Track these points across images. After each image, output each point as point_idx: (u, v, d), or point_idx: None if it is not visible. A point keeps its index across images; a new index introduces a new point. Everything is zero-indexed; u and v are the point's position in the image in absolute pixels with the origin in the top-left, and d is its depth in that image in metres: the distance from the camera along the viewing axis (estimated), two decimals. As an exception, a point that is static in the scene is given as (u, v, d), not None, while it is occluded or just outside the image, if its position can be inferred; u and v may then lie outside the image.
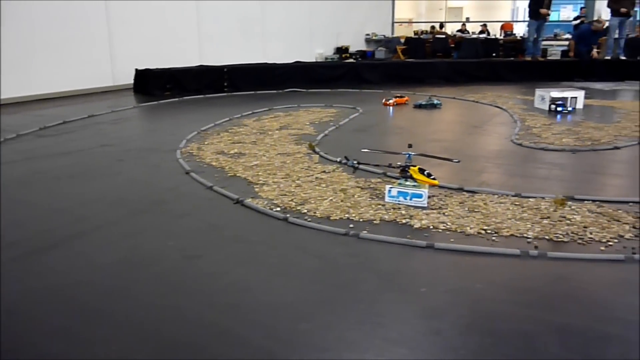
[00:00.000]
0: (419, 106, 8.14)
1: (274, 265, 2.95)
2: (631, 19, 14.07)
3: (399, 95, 8.62)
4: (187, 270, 2.90)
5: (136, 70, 9.86)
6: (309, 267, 2.93)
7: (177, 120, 7.41)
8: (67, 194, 4.20)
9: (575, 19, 16.72)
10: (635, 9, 13.56)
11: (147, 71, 9.71)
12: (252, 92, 9.78)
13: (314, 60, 14.92)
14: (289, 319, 2.38)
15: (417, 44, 17.18)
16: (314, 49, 15.51)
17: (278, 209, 3.76)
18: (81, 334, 2.29)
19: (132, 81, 9.95)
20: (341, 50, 16.50)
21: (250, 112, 7.55)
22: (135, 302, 2.55)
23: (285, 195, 4.03)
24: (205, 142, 5.76)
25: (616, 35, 12.33)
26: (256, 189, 4.18)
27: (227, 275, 2.83)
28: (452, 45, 16.93)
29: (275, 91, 9.85)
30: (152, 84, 9.62)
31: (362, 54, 17.17)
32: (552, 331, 2.29)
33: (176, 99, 9.11)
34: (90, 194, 4.21)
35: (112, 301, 2.57)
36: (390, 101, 8.37)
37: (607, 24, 12.18)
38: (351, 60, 15.61)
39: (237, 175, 4.58)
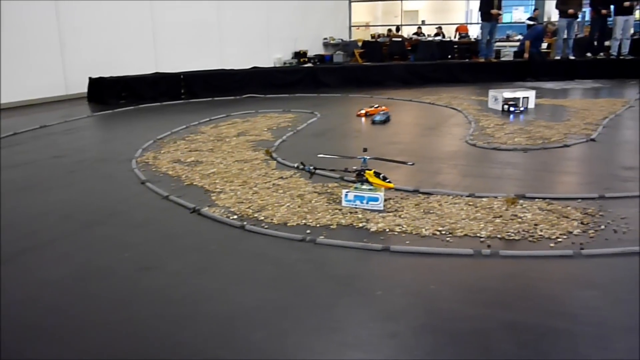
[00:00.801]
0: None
1: (230, 274, 2.93)
2: (579, 19, 14.56)
3: (374, 105, 7.88)
4: (141, 282, 2.86)
5: (90, 78, 9.66)
6: (265, 274, 2.92)
7: (132, 129, 7.29)
8: (17, 208, 4.09)
9: (528, 19, 17.14)
10: (583, 9, 14.04)
11: (101, 79, 9.53)
12: (210, 99, 9.71)
13: (272, 65, 14.90)
14: (244, 328, 2.38)
15: (374, 47, 17.33)
16: (272, 54, 15.49)
17: (235, 216, 3.74)
18: (25, 355, 2.23)
19: (85, 90, 9.74)
20: (299, 55, 16.52)
21: (207, 119, 7.49)
22: (85, 318, 2.50)
23: (243, 202, 4.02)
24: (162, 151, 5.69)
25: (565, 36, 12.70)
26: (213, 198, 4.15)
27: (182, 286, 2.80)
28: (409, 48, 17.15)
29: (233, 97, 9.79)
30: (107, 93, 9.44)
31: (320, 58, 17.23)
32: (504, 328, 2.35)
33: (132, 107, 8.96)
34: (41, 207, 4.10)
35: (60, 318, 2.51)
36: (362, 112, 7.74)
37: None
38: (309, 64, 15.66)
39: (194, 183, 4.53)
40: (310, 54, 17.00)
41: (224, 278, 2.88)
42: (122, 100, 9.46)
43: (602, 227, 3.46)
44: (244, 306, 2.57)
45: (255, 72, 10.99)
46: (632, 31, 13.49)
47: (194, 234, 3.52)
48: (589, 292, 2.69)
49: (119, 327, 2.41)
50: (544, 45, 13.85)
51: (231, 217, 3.72)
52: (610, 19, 12.77)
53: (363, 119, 7.55)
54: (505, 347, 2.21)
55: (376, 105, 7.84)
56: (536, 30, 12.53)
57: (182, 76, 10.11)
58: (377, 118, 7.26)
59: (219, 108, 8.53)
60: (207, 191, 4.32)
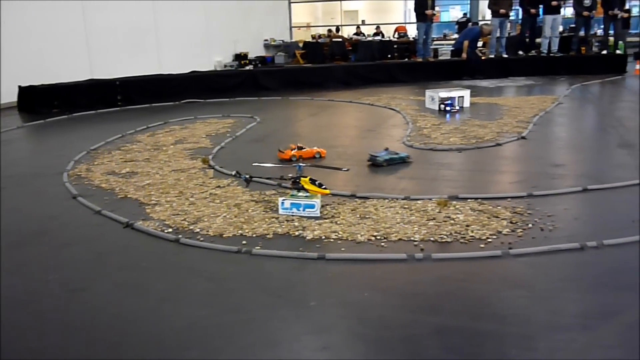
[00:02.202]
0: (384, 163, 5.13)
1: (163, 292, 2.87)
2: (512, 18, 15.05)
3: (298, 146, 5.47)
4: (70, 305, 2.77)
5: (19, 87, 9.28)
6: (199, 290, 2.88)
7: (65, 140, 7.05)
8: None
9: (463, 17, 17.59)
10: (514, 8, 14.49)
11: (31, 88, 9.17)
12: (147, 105, 9.48)
13: (212, 68, 14.72)
14: (175, 349, 2.34)
15: (315, 48, 17.37)
16: (212, 57, 15.29)
17: (170, 230, 3.68)
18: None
19: (15, 99, 9.34)
20: (240, 57, 16.37)
21: (144, 127, 7.32)
22: (6, 349, 2.39)
23: (178, 214, 3.95)
24: (95, 162, 5.53)
25: (498, 35, 13.08)
26: (148, 210, 4.06)
27: (112, 307, 2.73)
28: (349, 48, 17.29)
29: (171, 103, 9.60)
30: (38, 102, 9.10)
31: (261, 59, 17.14)
32: (434, 333, 2.40)
33: (65, 117, 8.66)
34: (-37, 228, 3.91)
35: (-17, 348, 2.40)
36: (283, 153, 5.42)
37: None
38: (250, 67, 15.55)
39: (128, 196, 4.42)
40: (251, 55, 16.88)
41: (155, 296, 2.82)
42: (55, 110, 9.12)
43: (530, 225, 3.58)
44: (175, 325, 2.53)
45: (194, 76, 10.82)
46: (560, 29, 14.05)
47: (126, 251, 3.43)
48: (516, 291, 2.78)
49: (45, 355, 2.33)
50: (480, 44, 14.24)
51: (166, 231, 3.66)
52: (540, 17, 13.24)
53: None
54: (434, 352, 2.26)
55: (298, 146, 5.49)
56: (473, 32, 12.83)
57: (117, 82, 9.84)
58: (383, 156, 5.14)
59: (156, 115, 8.36)
60: (142, 204, 4.23)
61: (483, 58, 12.51)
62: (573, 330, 2.41)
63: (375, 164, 5.09)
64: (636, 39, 18.43)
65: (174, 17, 13.47)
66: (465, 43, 12.23)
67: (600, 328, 2.42)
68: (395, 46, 16.89)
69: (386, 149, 5.22)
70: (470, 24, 15.99)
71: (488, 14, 14.58)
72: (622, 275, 2.92)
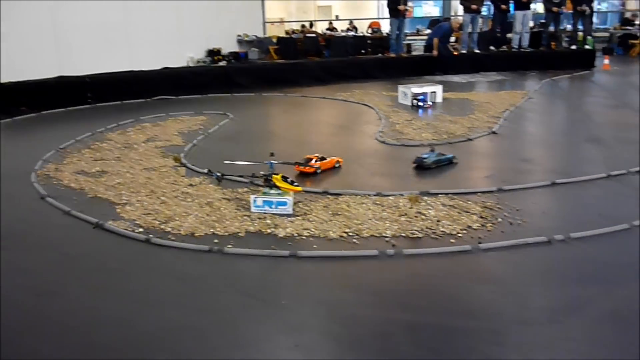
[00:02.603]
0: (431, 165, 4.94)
1: (134, 293, 2.84)
2: (484, 14, 15.19)
3: (319, 157, 4.80)
4: (39, 310, 2.72)
5: (-15, 85, 9.05)
6: (170, 291, 2.86)
7: (33, 139, 6.90)
8: None
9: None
10: (486, 3, 14.63)
11: (-3, 86, 8.95)
12: (118, 103, 9.33)
13: (185, 64, 14.57)
14: (145, 353, 2.32)
15: (288, 44, 17.31)
16: (185, 53, 15.13)
17: (140, 230, 3.64)
18: None
19: (-19, 98, 9.11)
20: (213, 53, 16.23)
21: (115, 125, 7.21)
22: (-25, 353, 2.35)
23: (149, 214, 3.91)
24: (64, 162, 5.43)
25: (470, 30, 13.21)
26: (118, 210, 4.01)
27: (80, 311, 2.69)
28: (323, 44, 17.27)
29: (143, 100, 9.47)
30: (4, 100, 8.86)
31: (234, 55, 17.02)
32: (404, 329, 2.42)
33: (33, 115, 8.47)
34: None
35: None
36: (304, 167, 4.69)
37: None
38: (223, 62, 15.43)
39: (98, 196, 4.36)
40: (224, 51, 16.74)
41: (125, 299, 2.79)
42: (22, 107, 8.91)
43: (500, 220, 3.64)
44: (145, 328, 2.51)
45: (166, 73, 10.68)
46: (531, 24, 14.24)
47: (96, 252, 3.38)
48: (485, 286, 2.82)
49: (10, 361, 2.29)
50: (452, 39, 14.36)
51: (136, 231, 3.62)
52: (511, 13, 13.40)
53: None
54: (404, 349, 2.28)
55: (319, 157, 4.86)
56: (443, 28, 12.90)
57: (87, 79, 9.66)
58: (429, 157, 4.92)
59: (127, 112, 8.23)
60: (112, 203, 4.17)
61: (455, 53, 12.60)
62: (541, 324, 2.45)
63: (422, 167, 4.83)
64: (605, 34, 18.80)
65: (145, 12, 13.27)
66: (435, 40, 12.29)
67: (567, 321, 2.47)
68: (369, 42, 16.92)
69: (432, 150, 4.97)
70: (442, 19, 16.13)
71: (460, 10, 14.70)
72: (588, 268, 2.99)
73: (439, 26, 13.14)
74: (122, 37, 12.65)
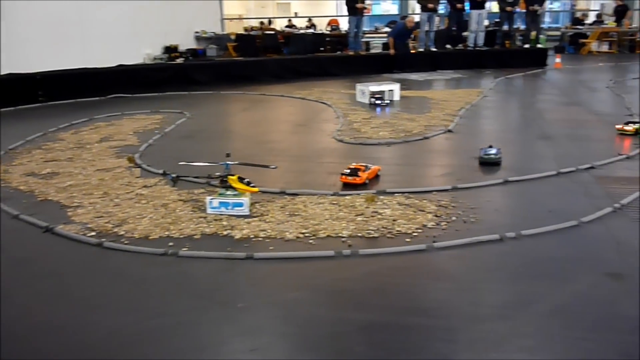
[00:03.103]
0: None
1: (86, 299, 2.78)
2: (441, 12, 15.41)
3: (365, 166, 4.56)
4: (-18, 318, 2.63)
5: None
6: (124, 296, 2.80)
7: (-20, 139, 6.67)
8: None
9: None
10: (442, 2, 14.84)
11: (-58, 84, 8.61)
12: (72, 101, 9.10)
13: (142, 61, 14.31)
14: (100, 357, 2.27)
15: (247, 41, 17.19)
16: (142, 50, 14.85)
17: (93, 233, 3.55)
18: None
19: None
20: (170, 50, 15.97)
21: (67, 124, 7.03)
22: None
23: (102, 216, 3.82)
24: (13, 163, 5.26)
25: (427, 28, 13.39)
26: (69, 213, 3.91)
27: (30, 318, 2.61)
28: (282, 41, 17.22)
29: (97, 98, 9.26)
30: (-50, 98, 8.55)
31: (192, 52, 16.79)
32: (359, 329, 2.44)
33: (-20, 114, 8.19)
34: None
35: None
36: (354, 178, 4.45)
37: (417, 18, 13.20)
38: (181, 59, 15.22)
39: (49, 199, 4.24)
40: (182, 48, 16.49)
41: (77, 304, 2.72)
42: (-31, 106, 8.61)
43: (454, 218, 3.70)
44: (98, 334, 2.45)
45: (122, 70, 10.47)
46: (486, 22, 14.53)
47: (45, 257, 3.29)
48: (440, 284, 2.86)
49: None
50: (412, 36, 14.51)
51: (88, 235, 3.53)
52: (467, 11, 13.63)
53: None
54: (360, 350, 2.30)
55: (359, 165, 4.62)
56: (397, 27, 12.96)
57: (38, 77, 9.38)
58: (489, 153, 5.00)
59: (81, 111, 8.03)
60: (64, 206, 4.06)
61: (412, 52, 12.72)
62: (492, 320, 2.51)
63: (488, 163, 4.87)
64: (557, 33, 19.33)
65: (100, 7, 12.96)
66: (391, 39, 12.35)
67: (518, 317, 2.53)
68: (327, 39, 16.96)
69: (490, 146, 4.98)
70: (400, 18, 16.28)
71: (418, 9, 14.88)
72: (538, 265, 3.06)
73: (395, 25, 13.24)
74: (76, 32, 12.31)
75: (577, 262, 3.08)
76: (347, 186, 4.36)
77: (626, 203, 3.91)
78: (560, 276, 2.92)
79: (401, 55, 12.39)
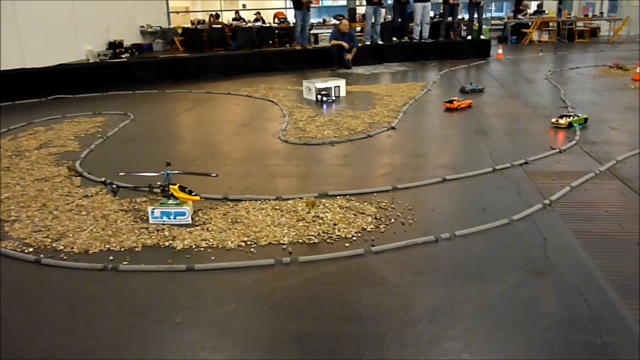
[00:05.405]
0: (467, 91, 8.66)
1: (18, 321, 2.74)
2: (389, 2, 15.57)
3: (457, 99, 7.68)
4: None
5: None
6: (59, 316, 2.79)
7: None
8: None
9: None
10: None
11: None
12: (9, 103, 8.79)
13: (84, 58, 13.95)
14: (31, 385, 2.26)
15: (194, 35, 16.97)
16: (83, 46, 14.46)
17: (30, 249, 3.50)
18: None
19: None
20: (114, 45, 15.62)
21: (5, 130, 6.82)
22: None
23: (40, 231, 3.77)
24: (-54, 175, 5.09)
25: (372, 21, 13.52)
26: (6, 229, 3.84)
27: (-39, 344, 2.57)
28: (229, 35, 17.07)
29: (36, 100, 8.98)
30: None
31: (138, 47, 16.50)
32: (293, 340, 2.51)
33: None
34: None
35: None
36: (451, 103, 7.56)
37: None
38: (126, 55, 14.92)
39: (-17, 213, 4.14)
40: (126, 43, 16.16)
41: (9, 327, 2.69)
42: None
43: (392, 220, 3.81)
44: (30, 358, 2.44)
45: (62, 70, 10.19)
46: (432, 14, 14.77)
47: (-21, 277, 3.23)
48: (373, 289, 2.95)
49: None
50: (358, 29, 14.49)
51: (26, 251, 3.48)
52: (411, 3, 13.81)
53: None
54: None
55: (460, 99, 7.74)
56: (333, 34, 12.44)
57: (-29, 79, 9.04)
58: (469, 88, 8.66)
59: (18, 114, 7.79)
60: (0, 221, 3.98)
61: (348, 57, 11.94)
62: (421, 324, 2.62)
63: (463, 91, 8.53)
64: (500, 22, 19.82)
65: (36, 3, 12.53)
66: (334, 42, 12.00)
67: (446, 320, 2.64)
68: (276, 32, 16.91)
69: (471, 83, 8.85)
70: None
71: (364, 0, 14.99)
72: (469, 265, 3.20)
73: (333, 30, 12.71)
74: (11, 30, 11.86)
75: (505, 261, 3.23)
76: (447, 110, 7.48)
77: (555, 199, 4.11)
78: (488, 276, 3.06)
79: (334, 57, 12.12)
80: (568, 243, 3.43)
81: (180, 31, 17.76)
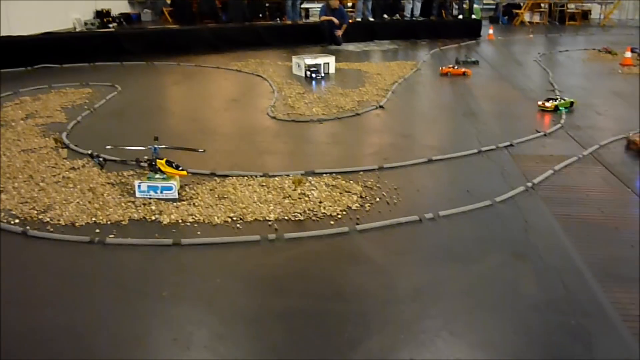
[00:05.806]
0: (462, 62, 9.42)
1: (5, 293, 2.76)
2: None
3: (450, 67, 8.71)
4: None
5: None
6: (46, 288, 2.82)
7: None
8: None
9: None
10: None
11: None
12: (-5, 72, 8.67)
13: (71, 26, 13.72)
14: (18, 354, 2.30)
15: (183, 6, 16.68)
16: (70, 15, 14.21)
17: (17, 221, 3.51)
18: None
19: None
20: (102, 15, 15.36)
21: (-10, 99, 6.75)
22: None
23: (27, 202, 3.77)
24: None
25: (364, -2, 13.44)
26: (-8, 199, 3.83)
27: (-53, 313, 2.60)
28: (220, 6, 16.83)
29: (22, 69, 8.85)
30: None
31: (126, 17, 16.22)
32: (277, 317, 2.57)
33: None
34: None
35: None
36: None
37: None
38: (114, 24, 14.69)
39: (-31, 183, 4.13)
40: (114, 12, 15.90)
41: (-2, 298, 2.72)
42: None
43: (378, 199, 3.85)
44: (17, 329, 2.47)
45: (49, 38, 10.01)
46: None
47: (-35, 248, 3.24)
48: (358, 267, 3.01)
49: None
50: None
51: (12, 222, 3.49)
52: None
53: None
54: (276, 336, 2.42)
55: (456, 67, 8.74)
56: (323, 10, 12.26)
57: (-45, 46, 8.87)
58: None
59: (4, 84, 7.68)
60: (-15, 192, 3.97)
61: (338, 33, 11.87)
62: (403, 302, 2.68)
63: (457, 62, 9.37)
64: (492, 1, 19.72)
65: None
66: (324, 17, 11.93)
67: (427, 299, 2.71)
68: (267, 5, 16.70)
69: (466, 55, 9.55)
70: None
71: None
72: (451, 246, 3.26)
73: (322, 6, 12.55)
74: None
75: (487, 242, 3.30)
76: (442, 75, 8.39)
77: (537, 182, 4.17)
78: (470, 257, 3.13)
79: (325, 33, 12.03)
80: (549, 226, 3.50)
81: (169, 2, 17.48)
